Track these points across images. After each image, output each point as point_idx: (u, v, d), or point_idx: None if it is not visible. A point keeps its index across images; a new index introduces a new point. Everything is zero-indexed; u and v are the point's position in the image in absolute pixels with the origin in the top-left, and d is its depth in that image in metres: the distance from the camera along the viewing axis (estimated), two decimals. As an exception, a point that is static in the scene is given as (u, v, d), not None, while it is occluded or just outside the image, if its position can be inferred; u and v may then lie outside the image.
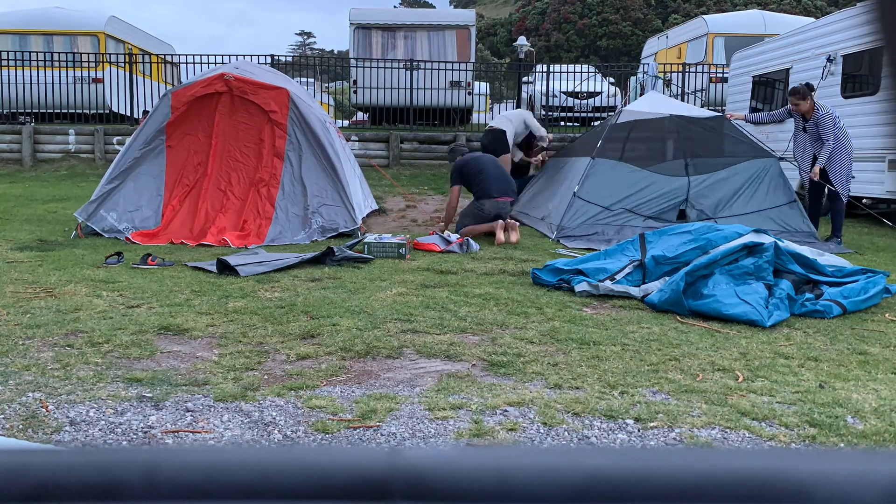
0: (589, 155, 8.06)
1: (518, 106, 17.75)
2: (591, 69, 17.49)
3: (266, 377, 3.34)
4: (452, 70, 15.68)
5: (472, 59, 16.81)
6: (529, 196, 9.08)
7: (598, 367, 3.50)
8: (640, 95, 14.34)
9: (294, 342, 3.87)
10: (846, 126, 7.80)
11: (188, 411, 2.92)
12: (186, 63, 15.58)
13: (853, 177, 7.89)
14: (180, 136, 7.74)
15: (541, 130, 9.58)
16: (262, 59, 15.22)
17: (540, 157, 9.67)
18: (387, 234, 7.44)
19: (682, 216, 7.76)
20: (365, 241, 6.65)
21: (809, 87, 7.78)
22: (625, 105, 10.80)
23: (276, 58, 16.06)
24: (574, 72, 16.80)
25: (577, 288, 5.05)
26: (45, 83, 14.99)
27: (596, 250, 6.07)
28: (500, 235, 7.31)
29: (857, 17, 6.61)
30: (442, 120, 16.50)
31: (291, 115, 7.73)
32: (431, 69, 15.51)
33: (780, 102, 11.37)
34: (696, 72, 16.34)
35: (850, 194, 7.85)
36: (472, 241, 6.99)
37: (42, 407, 2.93)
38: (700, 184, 7.90)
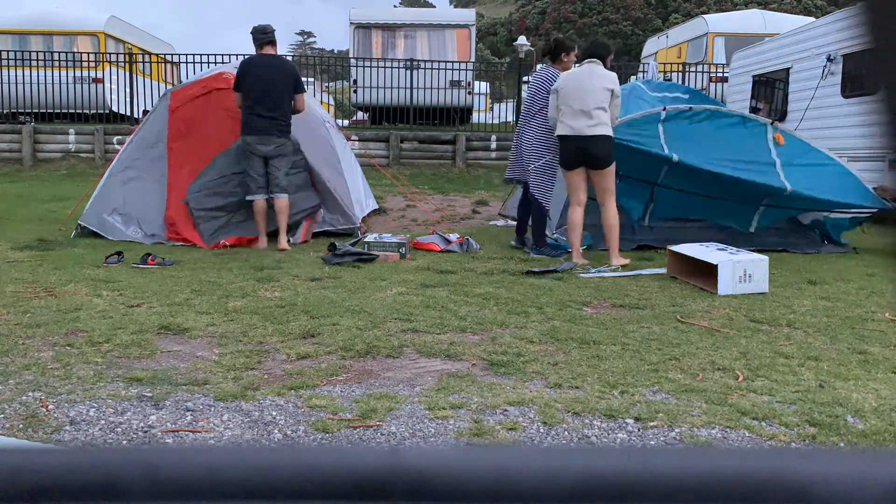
0: None
1: (518, 105, 17.75)
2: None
3: (266, 377, 3.34)
4: (452, 70, 15.68)
5: (472, 59, 16.81)
6: None
7: (598, 367, 3.50)
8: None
9: (294, 342, 3.88)
10: (845, 125, 7.74)
11: (188, 411, 2.92)
12: (186, 63, 15.59)
13: None
14: (180, 135, 7.73)
15: None
16: (261, 59, 15.20)
17: None
18: (387, 233, 7.44)
19: None
20: (365, 240, 6.65)
21: None
22: None
23: (276, 57, 16.04)
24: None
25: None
26: (45, 83, 14.99)
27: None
28: None
29: (854, 17, 6.58)
30: (442, 119, 16.50)
31: (291, 115, 7.71)
32: (431, 69, 15.51)
33: (780, 102, 11.38)
34: (696, 71, 16.35)
35: None
36: (471, 241, 7.00)
37: (42, 406, 2.93)
38: None
